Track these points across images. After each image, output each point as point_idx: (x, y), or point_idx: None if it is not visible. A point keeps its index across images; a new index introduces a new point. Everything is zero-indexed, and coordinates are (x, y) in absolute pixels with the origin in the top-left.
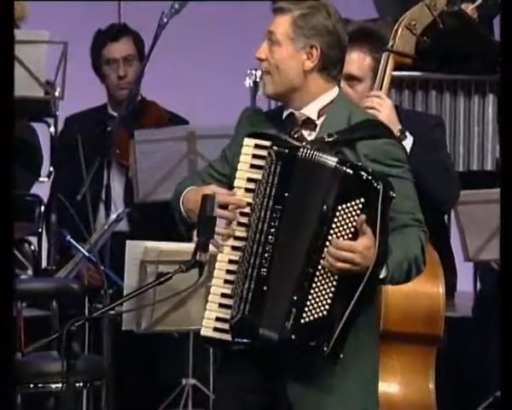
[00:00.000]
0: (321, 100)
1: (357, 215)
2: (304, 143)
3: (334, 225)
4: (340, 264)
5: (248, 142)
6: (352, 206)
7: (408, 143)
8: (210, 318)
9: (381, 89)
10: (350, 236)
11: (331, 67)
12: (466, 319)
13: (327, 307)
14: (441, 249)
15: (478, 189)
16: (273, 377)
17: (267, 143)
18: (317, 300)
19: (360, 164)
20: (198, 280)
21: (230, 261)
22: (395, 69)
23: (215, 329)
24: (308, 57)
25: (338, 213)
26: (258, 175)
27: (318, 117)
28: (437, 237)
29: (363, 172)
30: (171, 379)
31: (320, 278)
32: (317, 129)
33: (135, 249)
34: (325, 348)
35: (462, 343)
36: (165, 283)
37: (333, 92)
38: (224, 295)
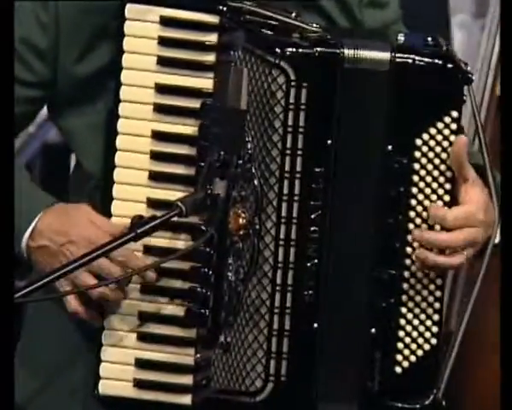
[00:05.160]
0: None
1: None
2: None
3: (416, 179)
4: (451, 260)
5: (140, 12)
6: (440, 131)
7: None
8: (122, 361)
9: None
10: (446, 189)
11: None
12: None
13: (435, 329)
14: None
15: None
16: None
17: (211, 19)
18: (416, 323)
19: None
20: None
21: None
22: None
23: (138, 384)
24: None
25: (418, 156)
26: (178, 79)
27: None
28: None
29: (434, 61)
30: None
31: (413, 281)
32: None
33: None
34: (443, 402)
35: None
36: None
37: None
38: (146, 317)
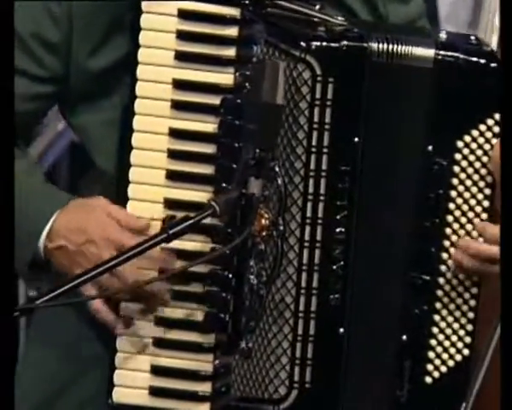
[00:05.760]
0: None
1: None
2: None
3: (455, 182)
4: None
5: (157, 5)
6: (482, 134)
7: None
8: (137, 368)
9: None
10: (486, 194)
11: None
12: None
13: (467, 340)
14: None
15: None
16: None
17: (231, 12)
18: (448, 332)
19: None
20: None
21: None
22: None
23: (153, 392)
24: None
25: (459, 158)
26: (197, 74)
27: None
28: None
29: (479, 60)
30: None
31: (447, 288)
32: None
33: None
34: None
35: None
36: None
37: None
38: (163, 322)
